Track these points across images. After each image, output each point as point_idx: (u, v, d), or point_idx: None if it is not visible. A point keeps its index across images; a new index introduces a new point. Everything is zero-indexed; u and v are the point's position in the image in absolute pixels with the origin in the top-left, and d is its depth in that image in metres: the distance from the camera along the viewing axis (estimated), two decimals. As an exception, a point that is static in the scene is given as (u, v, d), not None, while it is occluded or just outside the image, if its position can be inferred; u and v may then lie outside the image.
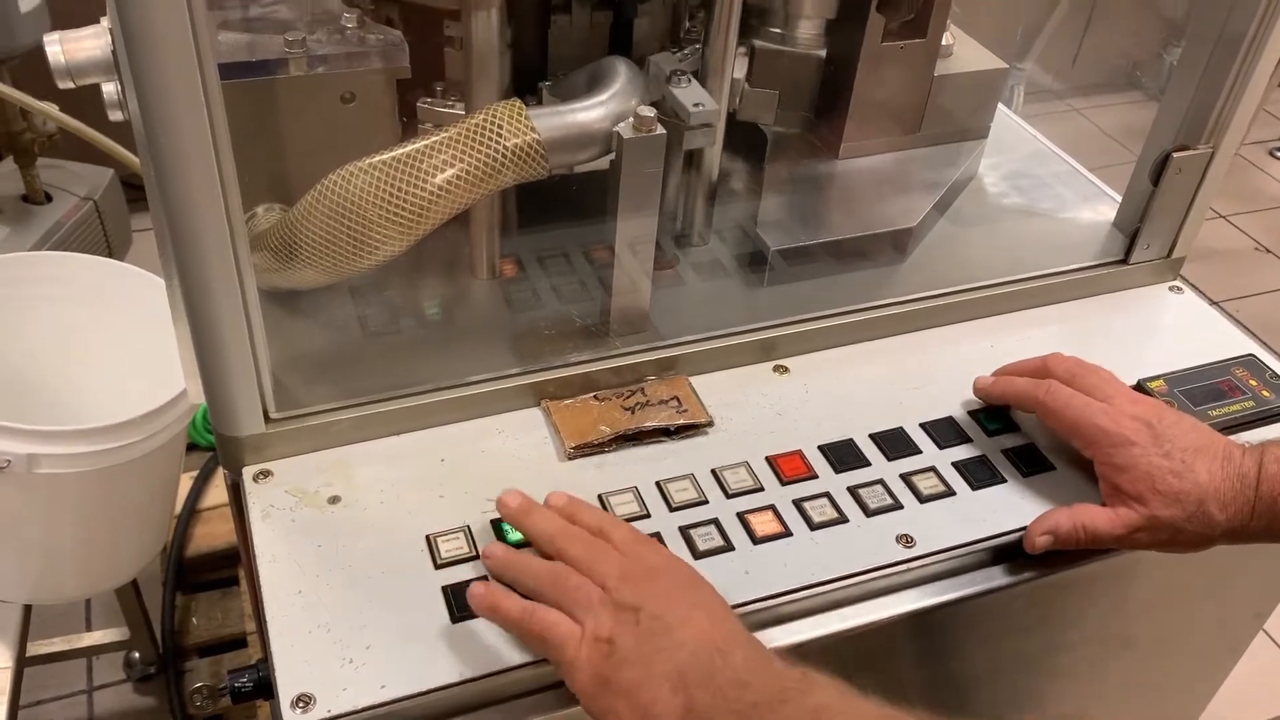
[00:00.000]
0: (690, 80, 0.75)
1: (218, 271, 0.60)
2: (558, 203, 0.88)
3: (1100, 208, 0.96)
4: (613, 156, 0.70)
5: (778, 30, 0.91)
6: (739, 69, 0.88)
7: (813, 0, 0.88)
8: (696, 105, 0.73)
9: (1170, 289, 0.92)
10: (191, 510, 1.44)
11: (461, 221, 0.77)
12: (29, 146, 1.65)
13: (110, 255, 1.86)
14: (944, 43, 0.91)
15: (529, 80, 0.79)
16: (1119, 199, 0.94)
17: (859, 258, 0.87)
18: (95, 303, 1.09)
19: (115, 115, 0.70)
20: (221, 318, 0.62)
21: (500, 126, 0.66)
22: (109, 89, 0.71)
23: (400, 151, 0.66)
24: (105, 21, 0.68)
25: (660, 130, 0.69)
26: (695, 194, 0.86)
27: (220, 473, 1.35)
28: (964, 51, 0.93)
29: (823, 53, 0.90)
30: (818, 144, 0.93)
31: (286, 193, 0.75)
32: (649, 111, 0.69)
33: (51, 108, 1.44)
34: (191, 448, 1.48)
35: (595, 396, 0.76)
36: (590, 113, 0.69)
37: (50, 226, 1.71)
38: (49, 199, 1.75)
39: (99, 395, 1.10)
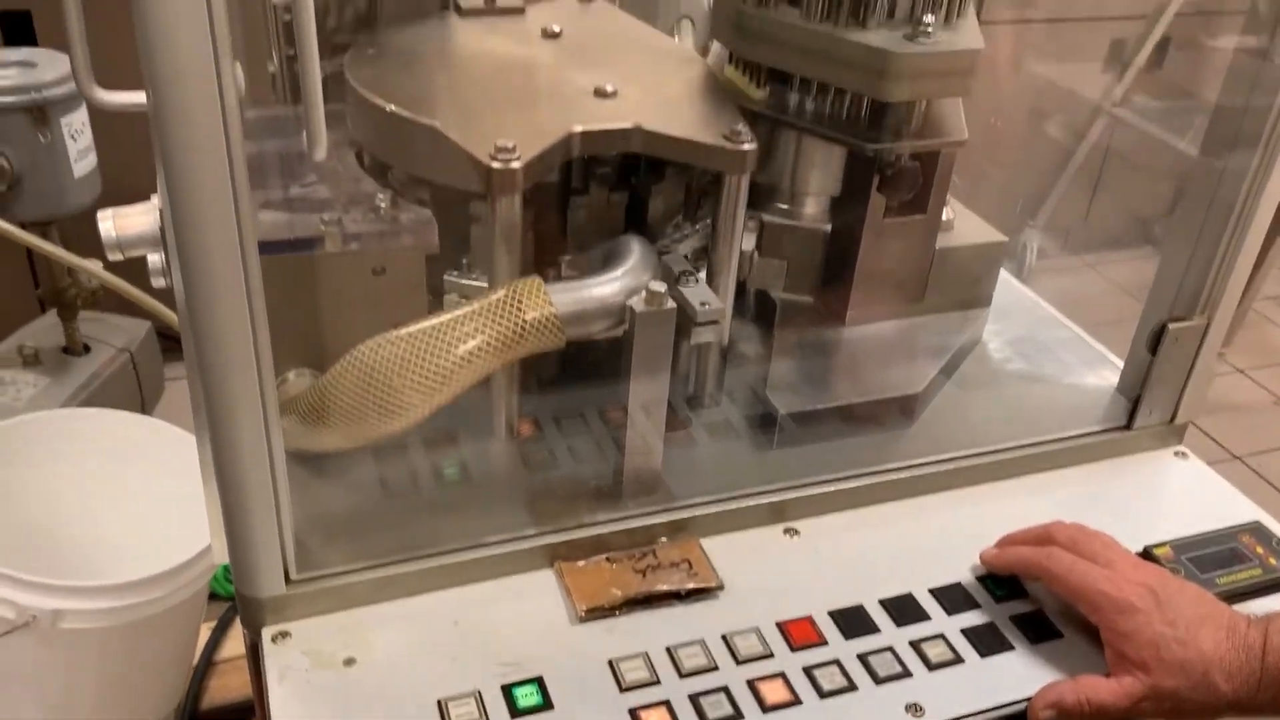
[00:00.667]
0: (698, 280, 0.79)
1: (248, 436, 0.63)
2: (577, 365, 0.91)
3: (1104, 373, 0.99)
4: (626, 327, 0.74)
5: (785, 205, 0.96)
6: (749, 240, 0.93)
7: (817, 179, 0.93)
8: (703, 304, 0.76)
9: (1175, 454, 0.94)
10: (208, 662, 1.44)
11: (482, 383, 0.81)
12: (72, 301, 1.73)
13: (143, 404, 1.91)
14: (944, 217, 0.95)
15: (550, 254, 0.84)
16: (1121, 364, 0.97)
17: (867, 422, 0.89)
18: (122, 457, 1.13)
19: (159, 283, 0.75)
20: (249, 481, 0.65)
21: (521, 301, 0.70)
22: (154, 259, 0.76)
23: (427, 324, 0.70)
24: (155, 199, 0.74)
25: (671, 305, 0.73)
26: (707, 358, 0.89)
27: (238, 624, 1.36)
28: (964, 225, 0.98)
29: (828, 227, 0.94)
30: (825, 311, 0.97)
31: (318, 358, 0.79)
32: (660, 287, 0.73)
33: (96, 265, 1.52)
34: (211, 597, 1.49)
35: (608, 558, 0.78)
36: (605, 288, 0.73)
37: (87, 378, 1.77)
38: (87, 350, 1.82)
39: (124, 549, 1.12)
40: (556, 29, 0.95)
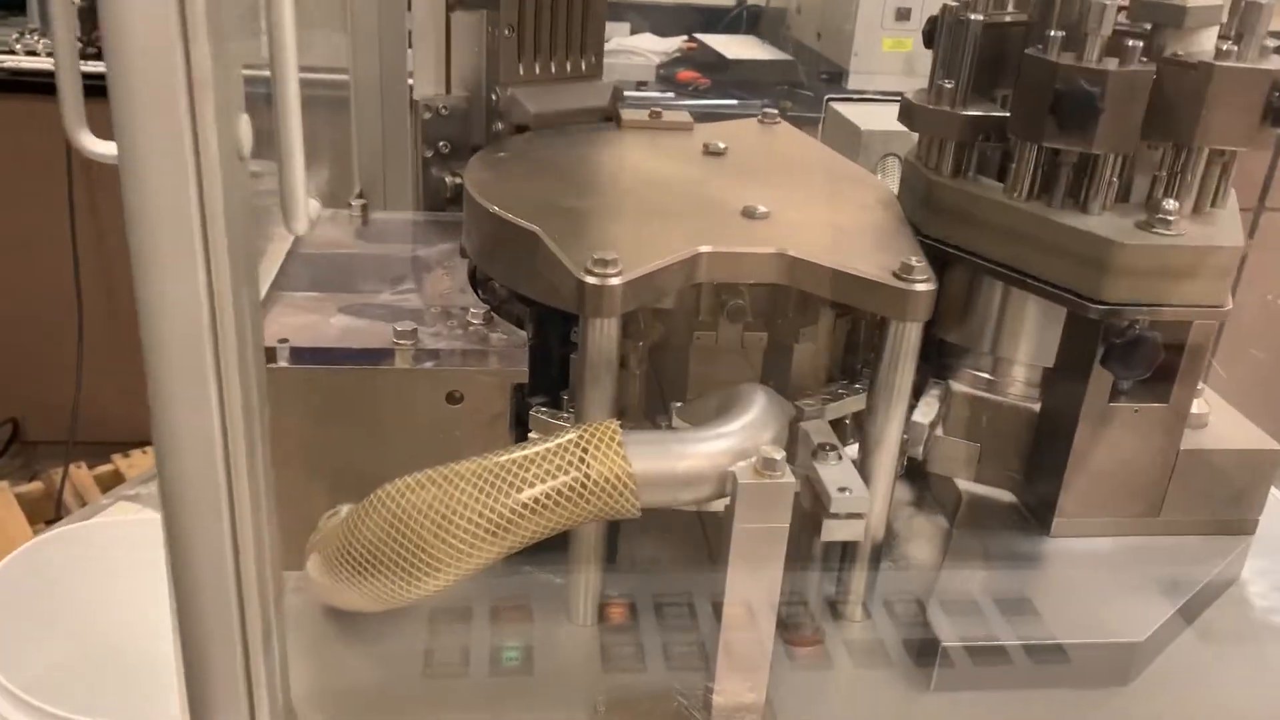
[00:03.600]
0: (841, 457, 0.62)
1: (210, 586, 0.49)
2: (694, 537, 0.74)
3: None
4: (727, 501, 0.56)
5: (984, 374, 0.76)
6: (931, 411, 0.74)
7: (1027, 343, 0.74)
8: (842, 490, 0.58)
9: None
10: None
11: (561, 546, 0.65)
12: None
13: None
14: (1196, 410, 0.73)
15: (665, 398, 0.68)
16: None
17: (1064, 672, 0.66)
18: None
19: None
20: (211, 641, 0.51)
21: (586, 451, 0.54)
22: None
23: (465, 466, 0.55)
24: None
25: (787, 478, 0.55)
26: (856, 557, 0.69)
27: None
28: (1223, 425, 0.75)
29: (1036, 406, 0.74)
30: (1025, 513, 0.76)
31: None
32: (776, 453, 0.55)
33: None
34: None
35: (680, 807, 0.59)
36: (704, 446, 0.57)
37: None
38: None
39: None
40: (722, 146, 0.82)
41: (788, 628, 0.69)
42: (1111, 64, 0.65)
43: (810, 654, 0.68)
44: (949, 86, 0.72)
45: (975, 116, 0.71)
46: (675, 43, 2.40)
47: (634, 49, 2.31)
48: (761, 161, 0.81)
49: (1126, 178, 0.70)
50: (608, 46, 2.61)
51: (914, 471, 0.80)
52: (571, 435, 0.55)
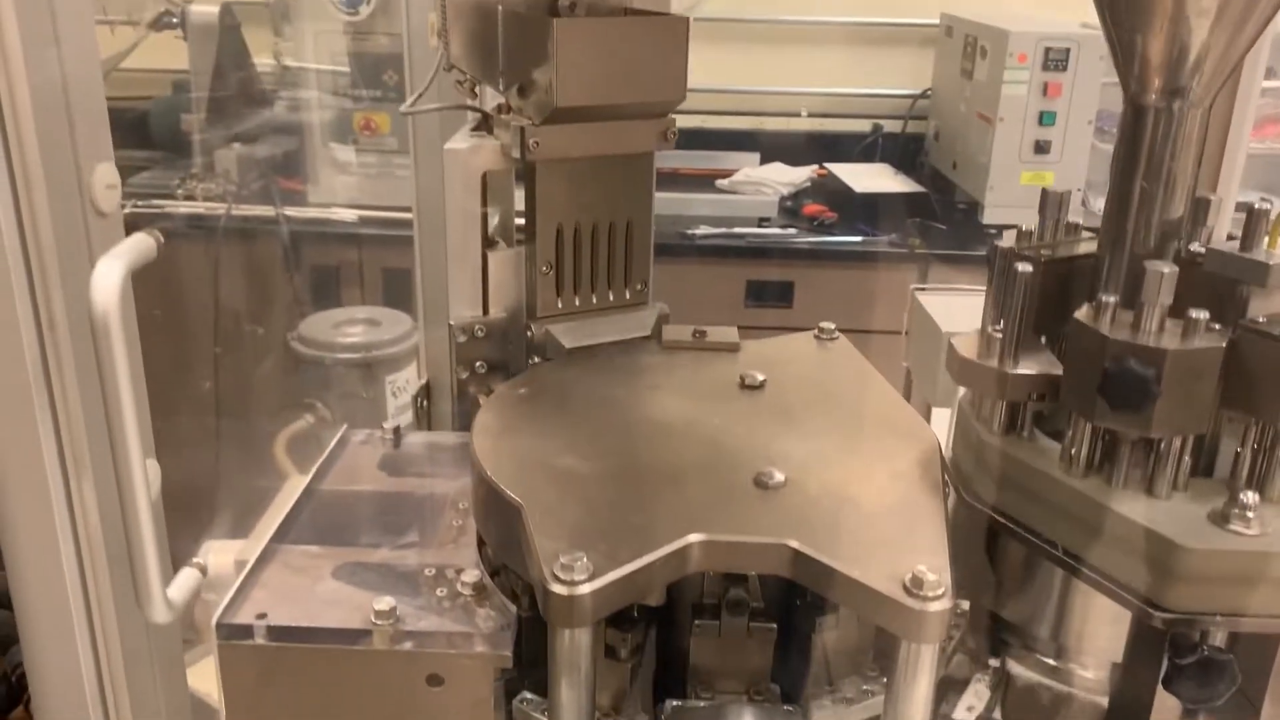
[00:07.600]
0: None
1: None
2: None
3: None
4: None
5: (1047, 659, 0.67)
6: (976, 707, 0.65)
7: (1092, 637, 0.64)
8: None
9: None
10: None
11: None
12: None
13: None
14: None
15: (660, 690, 0.62)
16: None
17: None
18: None
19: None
20: None
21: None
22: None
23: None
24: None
25: None
26: None
27: None
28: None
29: (1104, 700, 0.64)
30: (1092, 827, 0.65)
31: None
32: (739, 821, 0.48)
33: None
34: None
35: None
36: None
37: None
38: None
39: None
40: (760, 379, 0.76)
41: None
42: (1173, 337, 0.56)
43: None
44: (999, 336, 0.65)
45: (1025, 376, 0.63)
46: (805, 173, 2.36)
47: (762, 181, 2.27)
48: (800, 398, 0.75)
49: (1209, 448, 0.61)
50: (736, 178, 2.57)
51: (971, 753, 0.70)
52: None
